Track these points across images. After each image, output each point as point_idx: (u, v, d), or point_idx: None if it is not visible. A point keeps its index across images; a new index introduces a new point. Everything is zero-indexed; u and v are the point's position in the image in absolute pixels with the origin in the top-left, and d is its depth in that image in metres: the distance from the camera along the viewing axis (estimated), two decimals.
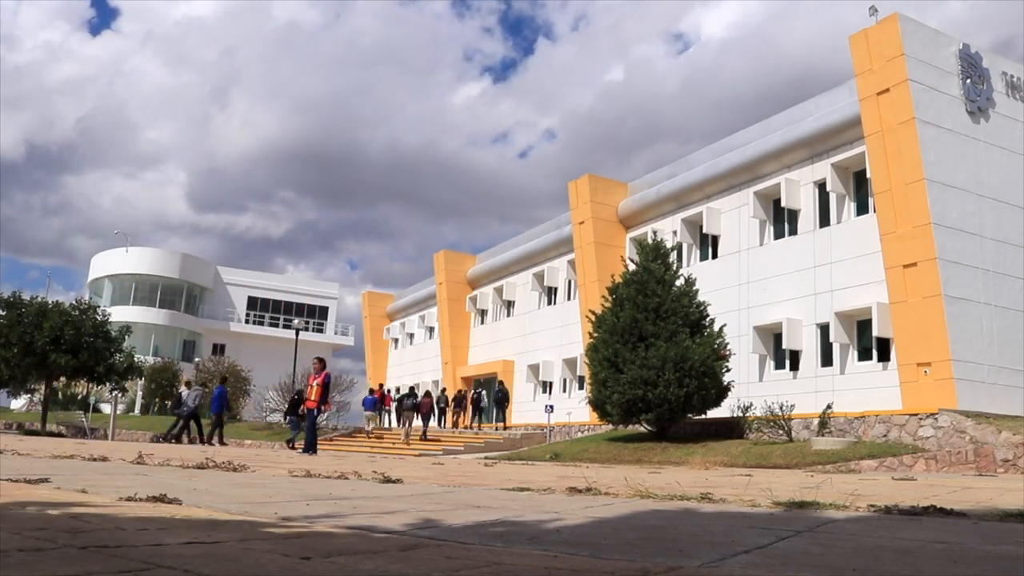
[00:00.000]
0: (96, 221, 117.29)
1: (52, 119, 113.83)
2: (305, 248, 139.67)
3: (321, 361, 17.03)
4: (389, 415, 33.06)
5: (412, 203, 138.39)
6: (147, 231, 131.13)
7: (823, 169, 21.56)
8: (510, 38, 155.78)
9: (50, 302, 28.89)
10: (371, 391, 31.40)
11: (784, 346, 21.65)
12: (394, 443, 24.85)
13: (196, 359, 48.10)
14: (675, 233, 26.15)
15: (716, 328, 19.23)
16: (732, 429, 18.76)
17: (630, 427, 20.08)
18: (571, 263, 30.94)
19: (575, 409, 26.42)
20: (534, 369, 32.34)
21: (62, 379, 30.99)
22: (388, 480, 4.32)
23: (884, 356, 19.53)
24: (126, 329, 30.96)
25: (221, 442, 22.12)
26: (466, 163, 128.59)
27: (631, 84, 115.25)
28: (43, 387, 29.60)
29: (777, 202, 23.06)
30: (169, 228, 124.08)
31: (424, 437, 25.49)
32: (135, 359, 32.18)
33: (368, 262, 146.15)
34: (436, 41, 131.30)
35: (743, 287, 23.62)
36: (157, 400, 42.90)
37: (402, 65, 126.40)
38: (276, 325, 57.14)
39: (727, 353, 19.13)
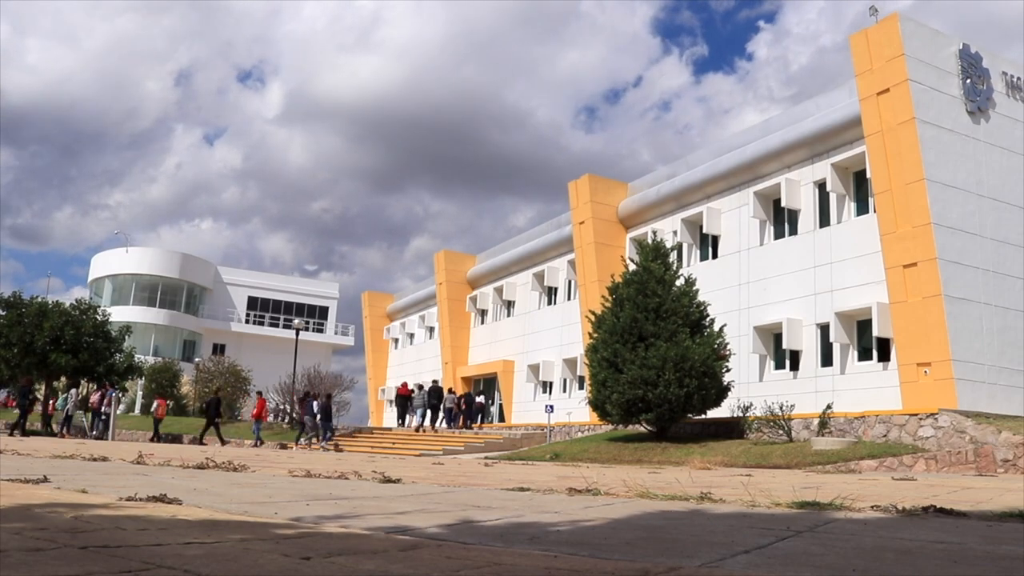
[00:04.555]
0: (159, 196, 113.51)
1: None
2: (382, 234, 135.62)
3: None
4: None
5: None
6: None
7: (823, 169, 21.57)
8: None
9: (50, 302, 28.94)
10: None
11: (784, 346, 21.65)
12: (394, 443, 24.84)
13: (196, 359, 48.09)
14: (675, 233, 26.15)
15: (716, 328, 19.22)
16: (732, 429, 18.75)
17: (630, 427, 20.07)
18: (571, 263, 30.92)
19: (575, 409, 26.41)
20: (534, 369, 32.33)
21: (63, 379, 31.04)
22: (388, 480, 4.32)
23: (884, 356, 19.53)
24: (126, 329, 30.99)
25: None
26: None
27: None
28: (43, 387, 29.61)
29: (777, 202, 23.06)
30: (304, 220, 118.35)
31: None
32: (135, 359, 32.21)
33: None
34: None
35: (743, 287, 23.62)
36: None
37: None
38: (276, 325, 57.13)
39: (727, 353, 19.12)
